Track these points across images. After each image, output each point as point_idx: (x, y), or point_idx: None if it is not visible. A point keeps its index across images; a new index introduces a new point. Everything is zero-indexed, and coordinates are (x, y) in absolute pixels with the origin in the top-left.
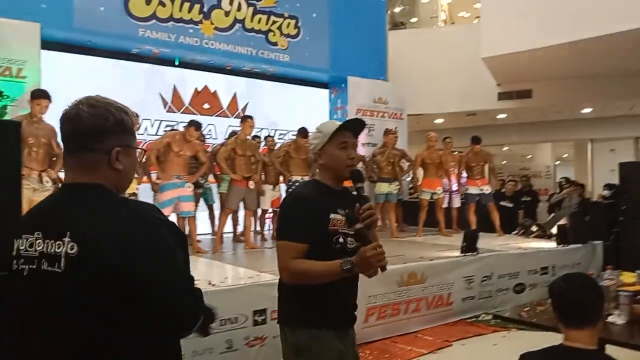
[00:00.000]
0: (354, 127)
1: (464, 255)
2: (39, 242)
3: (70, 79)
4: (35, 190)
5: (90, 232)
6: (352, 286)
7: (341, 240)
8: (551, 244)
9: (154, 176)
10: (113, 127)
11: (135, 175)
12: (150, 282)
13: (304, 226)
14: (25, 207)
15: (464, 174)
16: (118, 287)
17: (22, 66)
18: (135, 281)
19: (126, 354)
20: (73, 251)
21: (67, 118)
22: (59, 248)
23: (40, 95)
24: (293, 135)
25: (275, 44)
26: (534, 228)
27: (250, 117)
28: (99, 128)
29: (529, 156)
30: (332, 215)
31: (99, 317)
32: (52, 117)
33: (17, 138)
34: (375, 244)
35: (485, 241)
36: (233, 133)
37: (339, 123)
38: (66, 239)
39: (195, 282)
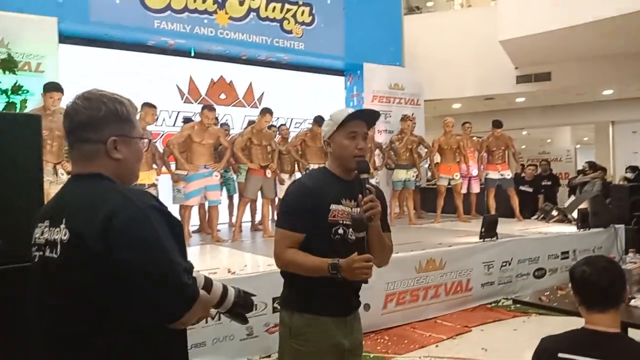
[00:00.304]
0: (366, 117)
1: (483, 241)
2: (45, 230)
3: (88, 73)
4: (50, 182)
5: (80, 219)
6: None
7: (341, 231)
8: (572, 228)
9: (173, 167)
10: (106, 117)
11: (154, 166)
12: (132, 268)
13: (302, 216)
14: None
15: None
16: (103, 271)
17: (41, 60)
18: (119, 266)
19: (120, 339)
20: (65, 237)
21: (66, 113)
22: (57, 235)
23: (52, 88)
24: (309, 124)
25: (290, 32)
26: (555, 212)
27: (270, 112)
28: (92, 119)
29: (549, 140)
30: (333, 206)
31: (89, 301)
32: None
33: (38, 131)
34: (367, 257)
35: (505, 226)
36: (251, 122)
37: (351, 111)
38: (62, 226)
39: (214, 270)
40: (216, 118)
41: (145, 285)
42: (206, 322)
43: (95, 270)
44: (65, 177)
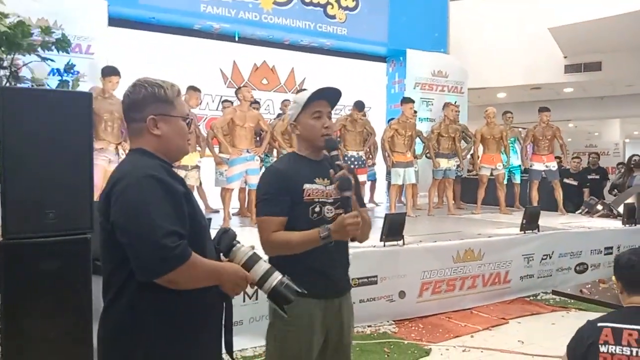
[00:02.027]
0: (328, 96)
1: (524, 233)
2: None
3: (135, 56)
4: (110, 161)
5: (106, 185)
6: (339, 255)
7: (318, 209)
8: (617, 224)
9: (216, 150)
10: (146, 98)
11: (198, 149)
12: (119, 228)
13: (280, 199)
14: (102, 178)
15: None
16: (109, 230)
17: (91, 43)
18: (113, 225)
19: (136, 292)
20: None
21: (122, 100)
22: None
23: (111, 72)
24: (349, 110)
25: (333, 17)
26: (600, 207)
27: None
28: (135, 102)
29: (596, 133)
30: (306, 186)
31: (114, 244)
32: (117, 91)
33: (89, 109)
34: (355, 213)
35: (547, 219)
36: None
37: (313, 91)
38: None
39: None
40: (257, 102)
41: (127, 243)
42: (243, 300)
43: (105, 229)
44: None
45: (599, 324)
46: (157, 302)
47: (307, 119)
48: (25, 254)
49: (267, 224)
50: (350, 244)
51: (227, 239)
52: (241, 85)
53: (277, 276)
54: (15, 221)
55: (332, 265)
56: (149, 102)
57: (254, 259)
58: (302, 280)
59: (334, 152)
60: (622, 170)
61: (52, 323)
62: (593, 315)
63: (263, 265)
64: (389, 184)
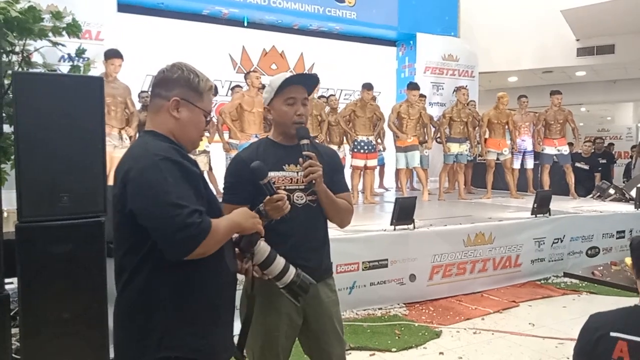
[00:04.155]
0: (304, 81)
1: (535, 217)
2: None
3: (145, 41)
4: (115, 146)
5: (118, 169)
6: (311, 244)
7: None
8: (629, 207)
9: (226, 136)
10: (178, 80)
11: (207, 135)
12: (140, 211)
13: (241, 188)
14: (107, 163)
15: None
16: (127, 214)
17: (101, 29)
18: (133, 208)
19: (155, 272)
20: (113, 184)
21: (155, 74)
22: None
23: (113, 55)
24: (358, 95)
25: (342, 0)
26: (612, 190)
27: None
28: (166, 79)
29: (609, 117)
30: (271, 174)
31: (128, 227)
32: (126, 77)
33: (101, 93)
34: (283, 194)
35: (559, 203)
36: None
37: (288, 76)
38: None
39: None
40: (264, 86)
41: (152, 227)
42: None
43: (120, 213)
44: (128, 142)
45: (612, 334)
46: (172, 282)
47: (281, 104)
48: (40, 237)
49: (227, 212)
50: (361, 228)
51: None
52: (250, 71)
53: (292, 269)
54: (30, 205)
55: (300, 256)
56: (180, 84)
57: (272, 255)
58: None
59: (304, 141)
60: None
61: (66, 305)
62: (604, 300)
63: (280, 260)
64: (397, 169)
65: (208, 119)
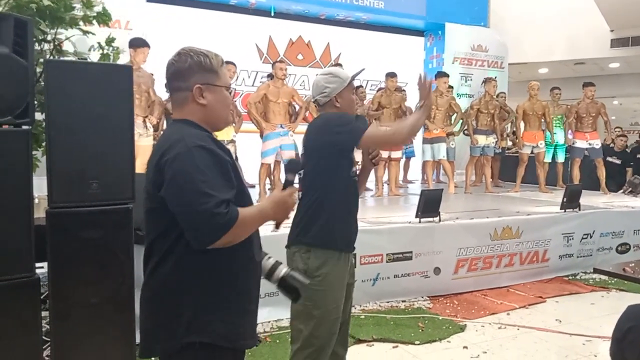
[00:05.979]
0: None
1: (564, 211)
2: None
3: (172, 31)
4: (140, 135)
5: (152, 156)
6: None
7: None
8: None
9: (251, 125)
10: (192, 67)
11: (233, 124)
12: (170, 198)
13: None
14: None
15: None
16: (160, 199)
17: (130, 18)
18: (164, 194)
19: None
20: (147, 171)
21: (166, 69)
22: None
23: (142, 44)
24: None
25: None
26: None
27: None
28: (180, 70)
29: None
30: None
31: (159, 213)
32: (154, 66)
33: (130, 81)
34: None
35: (589, 198)
36: None
37: (349, 72)
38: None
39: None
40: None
41: (180, 213)
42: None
43: (151, 198)
44: (152, 131)
45: None
46: (201, 268)
47: (350, 93)
48: (70, 223)
49: None
50: (385, 220)
51: None
52: (276, 61)
53: (284, 268)
54: (60, 191)
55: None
56: (195, 71)
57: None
58: (340, 232)
59: (290, 177)
60: None
61: (94, 289)
62: (635, 297)
63: (270, 261)
64: (423, 161)
65: (230, 91)
